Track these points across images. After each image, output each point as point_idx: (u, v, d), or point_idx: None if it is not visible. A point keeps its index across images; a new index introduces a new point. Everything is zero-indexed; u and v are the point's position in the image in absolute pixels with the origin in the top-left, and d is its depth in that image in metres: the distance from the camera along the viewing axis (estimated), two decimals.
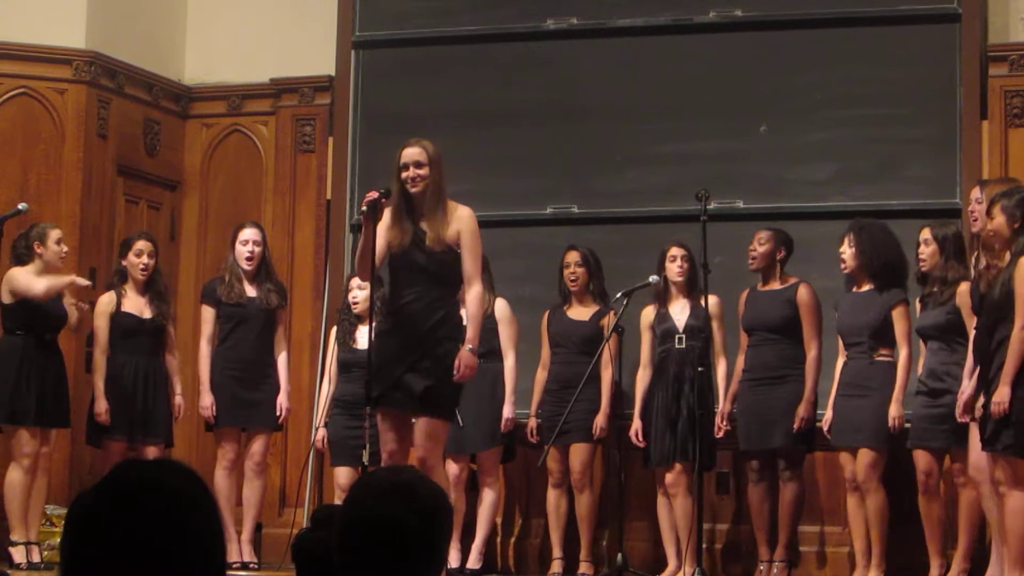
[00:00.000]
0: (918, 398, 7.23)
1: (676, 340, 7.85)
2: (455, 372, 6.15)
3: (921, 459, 7.25)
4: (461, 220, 6.27)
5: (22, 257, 7.80)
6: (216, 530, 2.03)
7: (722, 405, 7.84)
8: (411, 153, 6.28)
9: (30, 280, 7.69)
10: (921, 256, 7.24)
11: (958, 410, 6.67)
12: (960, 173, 8.19)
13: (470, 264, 6.28)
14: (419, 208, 6.26)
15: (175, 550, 1.96)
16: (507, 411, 8.02)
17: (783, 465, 7.79)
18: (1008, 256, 6.27)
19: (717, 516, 8.26)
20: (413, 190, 6.23)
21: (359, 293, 7.95)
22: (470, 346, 6.19)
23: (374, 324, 6.32)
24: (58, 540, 6.08)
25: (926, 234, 7.24)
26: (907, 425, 7.33)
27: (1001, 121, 8.22)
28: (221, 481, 8.09)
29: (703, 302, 7.66)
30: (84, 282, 7.83)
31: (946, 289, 7.11)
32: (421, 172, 6.24)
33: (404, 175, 6.25)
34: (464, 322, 6.32)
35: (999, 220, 6.29)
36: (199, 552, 1.98)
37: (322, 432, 8.19)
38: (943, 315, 7.10)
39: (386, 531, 2.44)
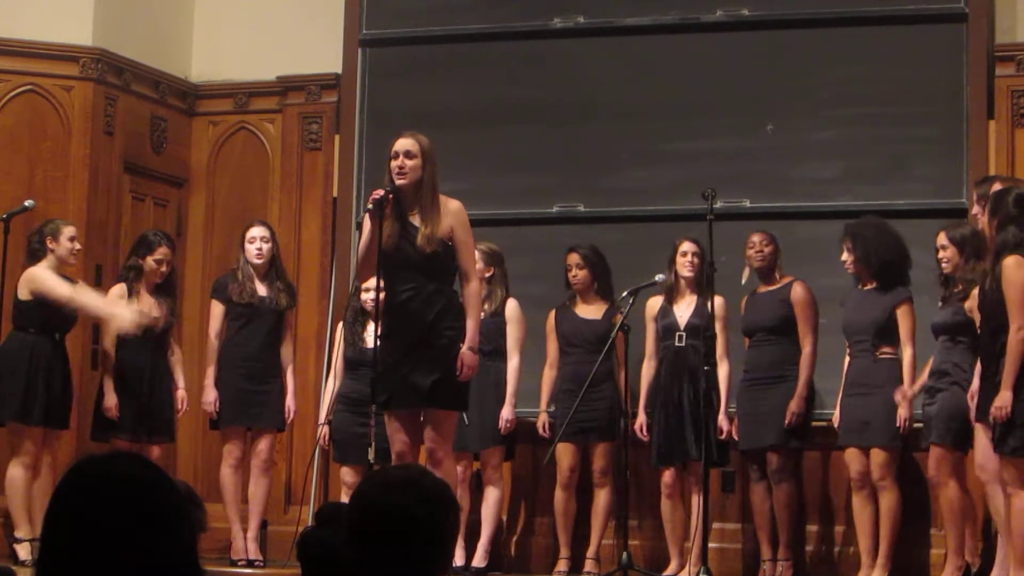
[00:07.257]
0: (921, 394, 7.25)
1: (676, 338, 7.85)
2: (457, 372, 6.16)
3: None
4: (453, 215, 6.23)
5: (37, 252, 7.81)
6: (179, 512, 2.06)
7: (724, 406, 7.80)
8: (403, 143, 6.27)
9: (55, 282, 7.68)
10: (942, 260, 7.16)
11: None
12: (967, 173, 8.18)
13: (465, 260, 6.26)
14: (408, 202, 6.23)
15: (138, 534, 1.99)
16: (506, 412, 7.97)
17: (773, 466, 7.76)
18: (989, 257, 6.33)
19: (722, 515, 8.25)
20: (400, 181, 6.19)
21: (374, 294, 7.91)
22: (470, 345, 6.19)
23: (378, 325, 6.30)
24: None
25: (942, 239, 7.15)
26: (918, 424, 7.33)
27: (1008, 121, 8.21)
28: (227, 479, 8.08)
29: (710, 301, 7.65)
30: (129, 321, 7.70)
31: (968, 288, 7.02)
32: (411, 163, 6.21)
33: (393, 163, 6.24)
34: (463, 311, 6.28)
35: (985, 218, 6.38)
36: (163, 535, 2.02)
37: (324, 429, 8.14)
38: (951, 313, 7.08)
39: (394, 522, 2.46)
